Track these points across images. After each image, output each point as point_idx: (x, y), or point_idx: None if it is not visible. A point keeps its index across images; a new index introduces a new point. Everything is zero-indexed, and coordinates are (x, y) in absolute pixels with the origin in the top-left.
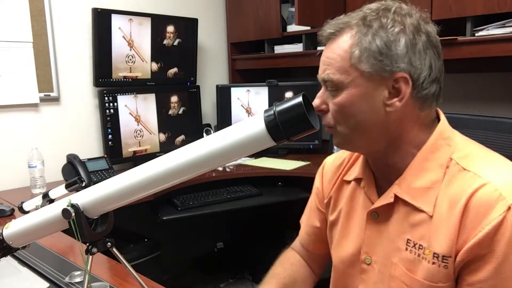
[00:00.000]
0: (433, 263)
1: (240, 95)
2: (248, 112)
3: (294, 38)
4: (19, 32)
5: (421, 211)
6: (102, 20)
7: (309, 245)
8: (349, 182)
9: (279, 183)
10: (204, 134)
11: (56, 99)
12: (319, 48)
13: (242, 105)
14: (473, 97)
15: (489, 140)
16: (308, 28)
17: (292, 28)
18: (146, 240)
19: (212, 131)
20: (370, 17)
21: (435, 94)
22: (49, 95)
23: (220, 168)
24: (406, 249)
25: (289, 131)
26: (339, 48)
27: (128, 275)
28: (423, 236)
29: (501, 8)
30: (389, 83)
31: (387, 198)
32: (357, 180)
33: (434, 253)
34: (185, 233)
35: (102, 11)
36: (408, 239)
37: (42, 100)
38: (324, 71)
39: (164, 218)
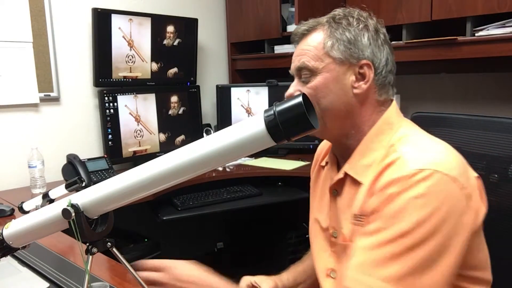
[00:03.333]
0: (354, 223)
1: (240, 95)
2: (248, 112)
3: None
4: (19, 32)
5: (360, 183)
6: (102, 20)
7: None
8: (323, 167)
9: (279, 183)
10: (204, 134)
11: (56, 99)
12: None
13: (242, 105)
14: (473, 97)
15: (489, 140)
16: None
17: (292, 28)
18: (146, 240)
19: (212, 131)
20: (339, 16)
21: (391, 83)
22: (49, 95)
23: (220, 168)
24: (350, 219)
25: (289, 131)
26: (313, 41)
27: (128, 275)
28: (357, 204)
29: (501, 8)
30: (356, 69)
31: (339, 174)
32: (327, 164)
33: (355, 215)
34: (185, 233)
35: (102, 11)
36: (354, 211)
37: (42, 100)
38: (300, 60)
39: (164, 218)
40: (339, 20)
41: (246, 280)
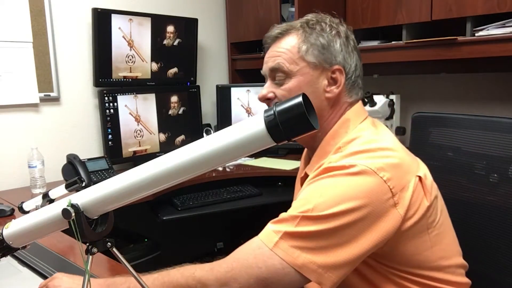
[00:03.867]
0: None
1: (240, 95)
2: (248, 112)
3: None
4: (19, 32)
5: None
6: (102, 20)
7: None
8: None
9: (279, 183)
10: (204, 134)
11: (56, 99)
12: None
13: (242, 105)
14: (473, 97)
15: (489, 140)
16: None
17: None
18: (146, 240)
19: (212, 131)
20: (312, 22)
21: (359, 86)
22: (49, 95)
23: (220, 168)
24: None
25: (289, 131)
26: (288, 44)
27: (128, 275)
28: None
29: (501, 8)
30: (328, 74)
31: (301, 173)
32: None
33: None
34: (185, 233)
35: (102, 11)
36: None
37: (42, 100)
38: (274, 61)
39: (164, 218)
40: (313, 25)
41: None
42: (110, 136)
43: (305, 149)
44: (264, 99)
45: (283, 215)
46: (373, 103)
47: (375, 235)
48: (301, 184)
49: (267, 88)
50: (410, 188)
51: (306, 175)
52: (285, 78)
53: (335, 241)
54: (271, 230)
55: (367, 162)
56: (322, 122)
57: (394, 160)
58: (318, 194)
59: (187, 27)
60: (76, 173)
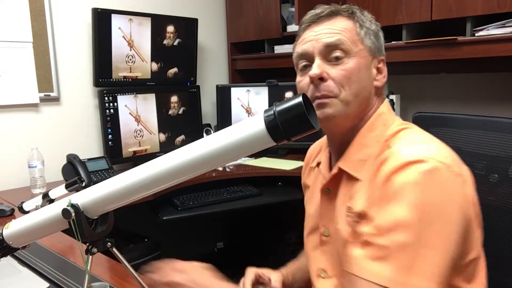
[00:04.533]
0: (354, 221)
1: (240, 95)
2: (248, 112)
3: (294, 38)
4: (19, 32)
5: (357, 179)
6: (102, 20)
7: None
8: (313, 168)
9: (279, 183)
10: (204, 134)
11: (56, 99)
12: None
13: (242, 105)
14: (473, 97)
15: (489, 140)
16: None
17: (292, 28)
18: (146, 240)
19: (212, 131)
20: (358, 9)
21: (386, 82)
22: (49, 95)
23: (220, 168)
24: (348, 215)
25: (289, 131)
26: (344, 24)
27: (128, 275)
28: (357, 201)
29: (501, 8)
30: (376, 62)
31: (333, 171)
32: (319, 165)
33: (357, 212)
34: (185, 233)
35: (102, 11)
36: (348, 207)
37: (42, 100)
38: (333, 37)
39: (164, 218)
40: (362, 12)
41: (252, 271)
42: (110, 136)
43: (313, 151)
44: (319, 78)
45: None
46: None
47: (460, 222)
48: (327, 186)
49: (320, 67)
50: (469, 174)
51: (341, 171)
52: (344, 57)
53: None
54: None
55: (427, 154)
56: (367, 112)
57: (450, 151)
58: (397, 204)
59: (187, 27)
60: (76, 173)
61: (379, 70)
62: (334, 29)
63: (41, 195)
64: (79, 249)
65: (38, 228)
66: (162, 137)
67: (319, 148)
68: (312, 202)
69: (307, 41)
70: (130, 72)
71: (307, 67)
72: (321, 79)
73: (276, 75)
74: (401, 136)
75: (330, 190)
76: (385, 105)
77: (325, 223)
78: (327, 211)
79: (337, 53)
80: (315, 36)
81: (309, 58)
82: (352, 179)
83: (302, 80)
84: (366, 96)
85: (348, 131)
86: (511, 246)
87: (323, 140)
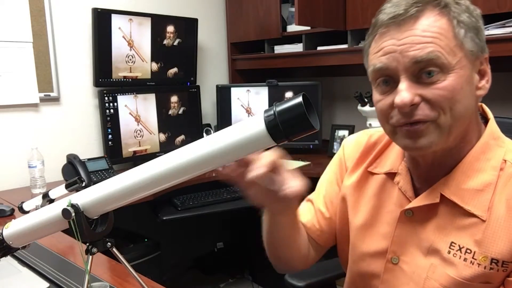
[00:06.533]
0: (491, 268)
1: (240, 95)
2: (248, 112)
3: (294, 38)
4: (19, 32)
5: (472, 214)
6: (102, 20)
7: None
8: (374, 173)
9: None
10: (204, 134)
11: (56, 99)
12: (361, 44)
13: (242, 105)
14: None
15: None
16: (308, 28)
17: (292, 28)
18: (146, 240)
19: (212, 131)
20: None
21: None
22: (49, 95)
23: (220, 168)
24: (449, 252)
25: (289, 131)
26: (436, 26)
27: (128, 275)
28: (473, 240)
29: (501, 8)
30: (478, 65)
31: (431, 197)
32: (389, 174)
33: (492, 259)
34: (185, 233)
35: (102, 11)
36: (452, 242)
37: (42, 100)
38: (424, 50)
39: (164, 218)
40: (457, 0)
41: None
42: (110, 136)
43: (359, 146)
44: (410, 105)
45: None
46: (373, 104)
47: None
48: (411, 209)
49: (410, 91)
50: None
51: (443, 199)
52: (439, 73)
53: None
54: None
55: None
56: (470, 130)
57: None
58: None
59: (187, 27)
60: (76, 173)
61: (481, 73)
62: (424, 36)
63: (41, 195)
64: (79, 249)
65: (38, 228)
66: (162, 137)
67: (373, 148)
68: (379, 218)
69: (387, 52)
70: (130, 72)
71: (388, 82)
72: (414, 104)
73: (276, 75)
74: None
75: (413, 214)
76: (493, 120)
77: (397, 249)
78: (403, 237)
79: (430, 69)
80: (399, 46)
81: (390, 75)
82: (457, 210)
83: (382, 100)
84: (469, 115)
85: (446, 152)
86: None
87: (382, 138)
